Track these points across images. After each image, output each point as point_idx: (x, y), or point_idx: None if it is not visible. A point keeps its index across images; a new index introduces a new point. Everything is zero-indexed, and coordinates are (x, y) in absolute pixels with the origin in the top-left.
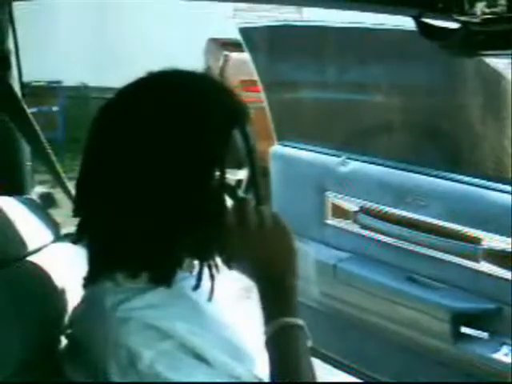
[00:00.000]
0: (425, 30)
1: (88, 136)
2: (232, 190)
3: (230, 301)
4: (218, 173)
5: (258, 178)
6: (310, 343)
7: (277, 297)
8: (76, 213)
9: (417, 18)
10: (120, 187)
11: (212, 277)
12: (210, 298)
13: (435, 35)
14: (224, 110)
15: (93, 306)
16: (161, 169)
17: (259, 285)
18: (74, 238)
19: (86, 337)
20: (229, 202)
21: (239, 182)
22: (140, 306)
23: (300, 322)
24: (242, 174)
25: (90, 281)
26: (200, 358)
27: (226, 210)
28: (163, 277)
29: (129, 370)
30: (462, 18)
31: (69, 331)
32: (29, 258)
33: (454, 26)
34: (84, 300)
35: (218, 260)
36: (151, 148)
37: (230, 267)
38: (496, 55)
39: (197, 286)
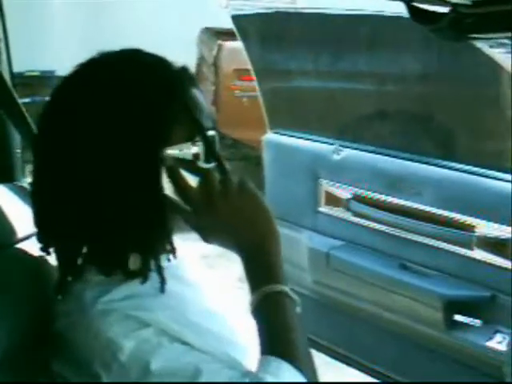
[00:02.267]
0: (416, 14)
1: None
2: (190, 164)
3: (219, 290)
4: (168, 150)
5: (214, 147)
6: (299, 310)
7: (259, 264)
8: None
9: (408, 2)
10: (67, 180)
11: (159, 268)
12: (162, 290)
13: (426, 19)
14: (158, 84)
15: (74, 301)
16: (103, 157)
17: (240, 255)
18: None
19: (69, 331)
20: (191, 178)
21: (196, 155)
22: (119, 297)
23: (286, 288)
24: (198, 148)
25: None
26: (184, 343)
27: (186, 188)
28: (133, 272)
29: (112, 364)
30: (452, 1)
31: (53, 326)
32: (18, 245)
33: (444, 9)
34: (66, 295)
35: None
36: (91, 137)
37: (208, 242)
38: (486, 39)
39: (162, 286)
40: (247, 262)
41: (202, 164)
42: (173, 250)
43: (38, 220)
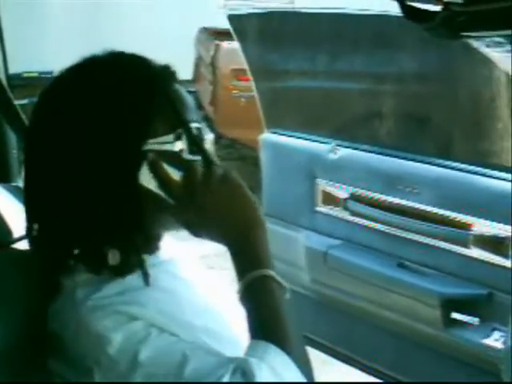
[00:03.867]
0: (409, 13)
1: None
2: (173, 158)
3: (214, 288)
4: (151, 146)
5: (198, 139)
6: (287, 295)
7: (245, 252)
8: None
9: (401, 1)
10: (53, 178)
11: (141, 262)
12: (146, 283)
13: (419, 18)
14: (138, 80)
15: (66, 300)
16: (86, 154)
17: (227, 245)
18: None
19: (62, 330)
20: (174, 172)
21: (181, 148)
22: (110, 294)
23: (272, 273)
24: (181, 143)
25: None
26: (172, 335)
27: (169, 182)
28: (119, 269)
29: (101, 357)
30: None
31: (49, 325)
32: (15, 246)
33: (436, 8)
34: (58, 294)
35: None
36: (72, 135)
37: (195, 235)
38: (479, 37)
39: (145, 281)
40: (234, 252)
41: (187, 156)
42: (156, 246)
43: (29, 220)
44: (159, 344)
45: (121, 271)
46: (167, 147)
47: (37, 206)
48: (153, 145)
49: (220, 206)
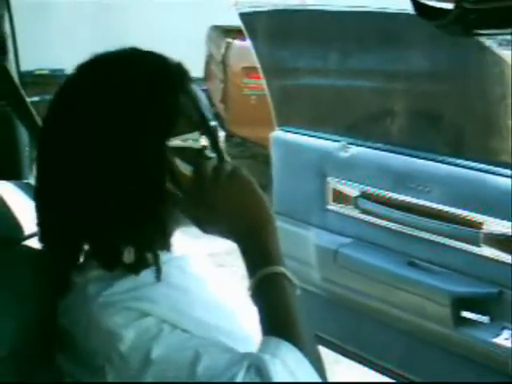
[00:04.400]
0: (421, 10)
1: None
2: (184, 153)
3: (225, 286)
4: (174, 143)
5: (215, 137)
6: (298, 292)
7: (256, 249)
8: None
9: None
10: (71, 176)
11: (156, 258)
12: (158, 278)
13: (431, 15)
14: (160, 78)
15: (77, 296)
16: (107, 152)
17: (236, 242)
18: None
19: (72, 327)
20: (185, 167)
21: (204, 147)
22: (121, 290)
23: (283, 269)
24: (205, 141)
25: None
26: (184, 331)
27: (181, 177)
28: (132, 265)
29: (112, 354)
30: None
31: (58, 321)
32: (26, 242)
33: (449, 5)
34: (69, 290)
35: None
36: (94, 134)
37: (204, 231)
38: (491, 34)
39: (157, 277)
40: (244, 248)
41: (209, 153)
42: (169, 243)
43: (40, 217)
44: (171, 341)
45: (135, 268)
46: (191, 144)
47: (49, 202)
48: (176, 142)
49: (230, 203)
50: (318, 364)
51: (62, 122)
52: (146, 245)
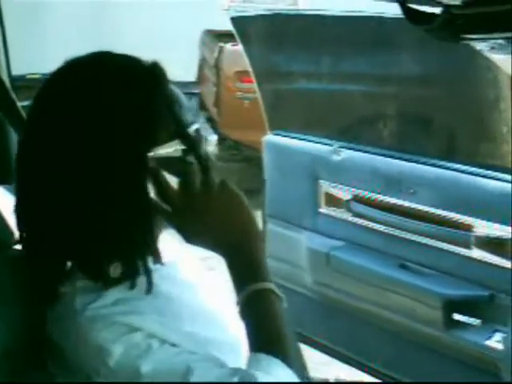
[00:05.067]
0: (410, 15)
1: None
2: (170, 165)
3: (216, 292)
4: (156, 153)
5: (194, 142)
6: (285, 305)
7: (242, 264)
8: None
9: (402, 3)
10: (51, 188)
11: (147, 271)
12: (148, 291)
13: (420, 20)
14: (135, 84)
15: (65, 307)
16: (87, 164)
17: (223, 255)
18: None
19: (61, 337)
20: (171, 179)
21: (184, 154)
22: (109, 303)
23: (271, 285)
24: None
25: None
26: (173, 345)
27: (167, 189)
28: (117, 280)
29: (101, 369)
30: (444, 2)
31: (47, 328)
32: (16, 247)
33: (437, 10)
34: (57, 301)
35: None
36: (72, 145)
37: (190, 243)
38: (478, 39)
39: (149, 287)
40: (230, 263)
41: (190, 159)
42: (158, 253)
43: (22, 228)
44: (161, 356)
45: (121, 280)
46: (171, 153)
47: (28, 215)
48: (157, 152)
49: (218, 216)
50: (303, 375)
51: (37, 132)
52: (133, 258)
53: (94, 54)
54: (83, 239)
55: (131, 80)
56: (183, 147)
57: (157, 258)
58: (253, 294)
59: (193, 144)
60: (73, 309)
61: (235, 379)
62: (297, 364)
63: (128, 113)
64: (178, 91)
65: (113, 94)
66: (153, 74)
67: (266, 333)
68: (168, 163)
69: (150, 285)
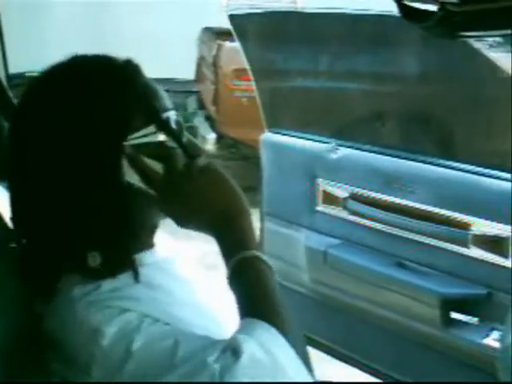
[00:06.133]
0: (407, 12)
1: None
2: (153, 150)
3: (211, 287)
4: (132, 141)
5: (171, 129)
6: (276, 277)
7: (231, 236)
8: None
9: (399, 1)
10: (33, 180)
11: (132, 261)
12: (136, 280)
13: (416, 18)
14: (106, 78)
15: (63, 299)
16: (65, 156)
17: (212, 234)
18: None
19: (59, 327)
20: (156, 164)
21: (164, 139)
22: (106, 290)
23: (258, 253)
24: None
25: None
26: (167, 325)
27: (151, 174)
28: (102, 272)
29: (95, 350)
30: None
31: (45, 324)
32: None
33: (433, 7)
34: (55, 296)
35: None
36: (49, 139)
37: (182, 226)
38: (476, 37)
39: (136, 278)
40: (219, 238)
41: (171, 144)
42: (150, 242)
43: (13, 223)
44: (152, 330)
45: (108, 272)
46: (149, 139)
47: (15, 209)
48: (134, 139)
49: (202, 195)
50: (306, 364)
51: (20, 133)
52: (118, 247)
53: (69, 57)
54: (65, 230)
55: (101, 77)
56: (161, 132)
57: (149, 247)
58: (241, 261)
59: (169, 128)
60: (71, 299)
61: (220, 345)
62: (291, 332)
63: (103, 102)
64: (152, 81)
65: (84, 94)
66: (124, 69)
67: (254, 298)
68: (149, 149)
69: (136, 273)
